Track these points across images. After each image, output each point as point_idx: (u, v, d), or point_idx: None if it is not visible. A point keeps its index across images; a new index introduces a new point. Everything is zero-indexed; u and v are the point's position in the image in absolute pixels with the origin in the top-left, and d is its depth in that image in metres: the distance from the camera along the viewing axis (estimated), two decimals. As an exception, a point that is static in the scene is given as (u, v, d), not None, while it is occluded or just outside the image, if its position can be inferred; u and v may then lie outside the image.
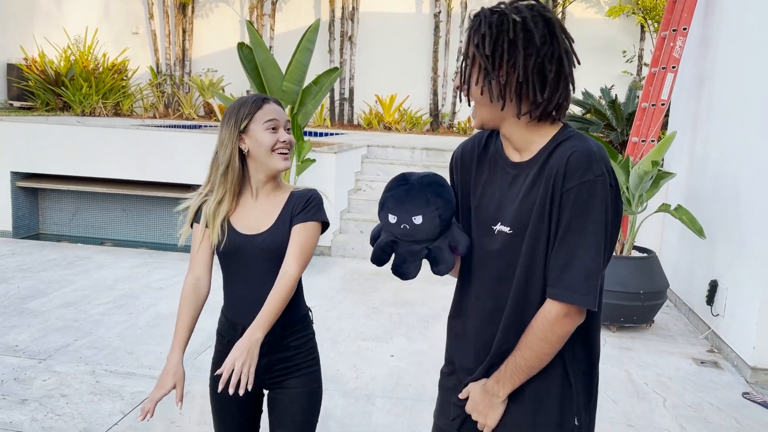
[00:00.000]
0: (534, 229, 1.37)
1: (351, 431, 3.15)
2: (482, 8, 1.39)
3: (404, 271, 1.43)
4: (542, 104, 1.35)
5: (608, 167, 1.34)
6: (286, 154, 1.79)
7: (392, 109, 12.83)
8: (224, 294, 1.92)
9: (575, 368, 1.44)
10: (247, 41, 13.57)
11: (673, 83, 5.25)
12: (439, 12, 12.94)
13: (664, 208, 4.62)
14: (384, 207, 1.41)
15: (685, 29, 5.16)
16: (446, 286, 5.54)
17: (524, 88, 1.34)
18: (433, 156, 8.04)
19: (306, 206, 1.81)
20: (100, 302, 4.90)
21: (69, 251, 6.51)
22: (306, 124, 6.26)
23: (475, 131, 1.53)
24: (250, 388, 1.58)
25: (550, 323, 1.35)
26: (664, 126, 6.17)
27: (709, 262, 4.71)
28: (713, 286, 4.55)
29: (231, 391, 1.55)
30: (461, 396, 1.52)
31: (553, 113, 1.38)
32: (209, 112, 12.98)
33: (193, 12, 13.53)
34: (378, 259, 1.46)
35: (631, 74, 12.49)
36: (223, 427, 1.96)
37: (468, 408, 1.49)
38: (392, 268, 1.45)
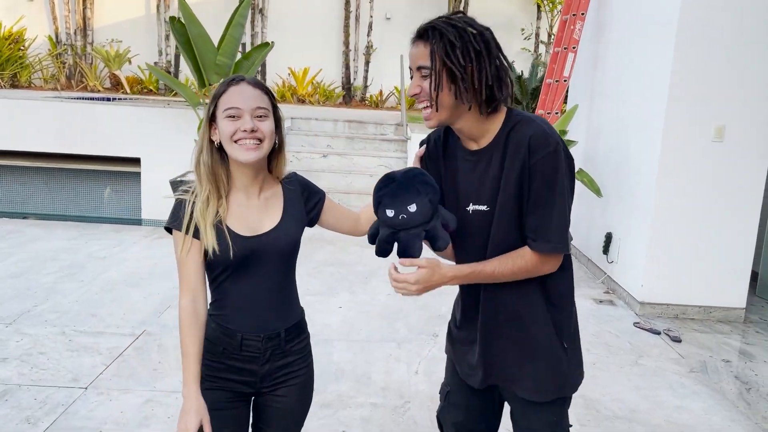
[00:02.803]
0: (505, 200, 1.58)
1: (317, 369, 3.59)
2: (433, 22, 1.56)
3: (412, 252, 1.56)
4: (501, 100, 1.58)
5: (559, 138, 1.59)
6: (249, 143, 1.58)
7: (305, 83, 13.07)
8: (217, 300, 1.71)
9: (558, 305, 1.71)
10: (152, 11, 13.40)
11: (574, 62, 5.96)
12: (350, -13, 13.22)
13: (568, 171, 5.32)
14: (380, 205, 1.57)
15: (583, 14, 5.87)
16: (377, 247, 6.05)
17: (489, 90, 1.55)
18: (355, 128, 8.47)
19: (310, 191, 1.80)
20: (47, 272, 5.02)
21: (-5, 226, 6.45)
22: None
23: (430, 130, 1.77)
24: None
25: (530, 265, 1.60)
26: (565, 99, 6.93)
27: (604, 217, 5.50)
28: (608, 238, 5.34)
29: None
30: (404, 264, 1.59)
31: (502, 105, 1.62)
32: (116, 84, 12.66)
33: (94, -21, 13.03)
34: (383, 251, 1.59)
35: (529, 51, 13.40)
36: None
37: (409, 278, 1.55)
38: (400, 254, 1.58)
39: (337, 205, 1.87)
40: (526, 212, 1.58)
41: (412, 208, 1.54)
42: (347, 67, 13.52)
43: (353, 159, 7.82)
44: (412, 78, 1.62)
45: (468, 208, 1.66)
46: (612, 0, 5.74)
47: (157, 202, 6.91)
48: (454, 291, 1.82)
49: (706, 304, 4.69)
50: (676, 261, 4.64)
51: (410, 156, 7.32)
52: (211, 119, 1.63)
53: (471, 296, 1.74)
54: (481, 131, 1.61)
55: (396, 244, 1.59)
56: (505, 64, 1.59)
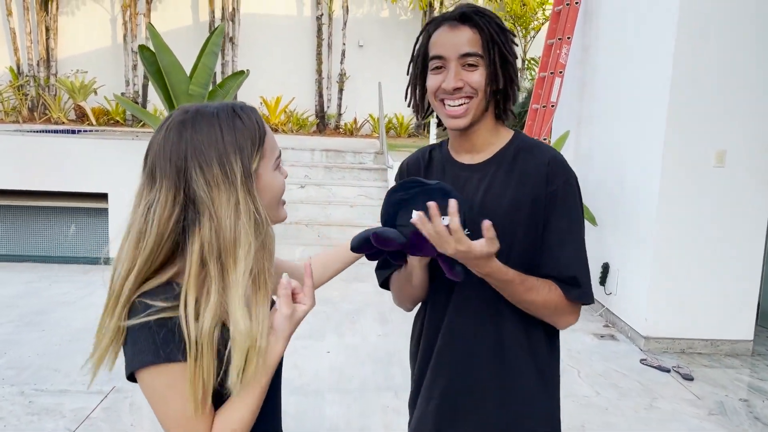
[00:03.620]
0: (505, 226, 1.31)
1: (307, 426, 3.26)
2: (477, 7, 1.36)
3: (459, 270, 1.27)
4: (509, 109, 1.41)
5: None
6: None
7: (278, 111, 12.80)
8: None
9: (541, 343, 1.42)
10: (119, 40, 13.05)
11: (561, 86, 5.80)
12: (321, 15, 13.08)
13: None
14: (409, 204, 1.24)
15: (569, 38, 5.72)
16: (362, 283, 5.74)
17: (509, 90, 1.39)
18: (333, 157, 8.20)
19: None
20: (4, 321, 4.59)
21: (-52, 269, 5.97)
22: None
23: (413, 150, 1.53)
24: None
25: (559, 307, 1.34)
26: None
27: (600, 246, 5.28)
28: (605, 268, 5.12)
29: None
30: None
31: (509, 116, 1.45)
32: (81, 116, 12.23)
33: (57, 9, 12.66)
34: (387, 239, 1.25)
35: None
36: None
37: (474, 246, 1.19)
38: (452, 272, 1.27)
39: (286, 263, 1.42)
40: (545, 249, 1.36)
41: (446, 219, 1.19)
42: (321, 95, 13.30)
43: (332, 189, 7.54)
44: (439, 70, 1.35)
45: None
46: (598, 24, 5.61)
47: (125, 240, 6.50)
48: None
49: (713, 337, 4.47)
50: (679, 293, 4.42)
51: (391, 185, 7.06)
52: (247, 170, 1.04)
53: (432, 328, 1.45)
54: (485, 143, 1.42)
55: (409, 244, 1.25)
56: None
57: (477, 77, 1.32)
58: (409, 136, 13.01)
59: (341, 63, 13.24)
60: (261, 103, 12.84)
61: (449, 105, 1.35)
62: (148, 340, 0.96)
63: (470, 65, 1.32)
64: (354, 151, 8.38)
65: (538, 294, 1.32)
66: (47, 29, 12.62)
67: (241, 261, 0.98)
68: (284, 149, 8.16)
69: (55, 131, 9.44)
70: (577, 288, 1.34)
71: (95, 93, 12.43)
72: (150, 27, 5.57)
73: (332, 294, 5.49)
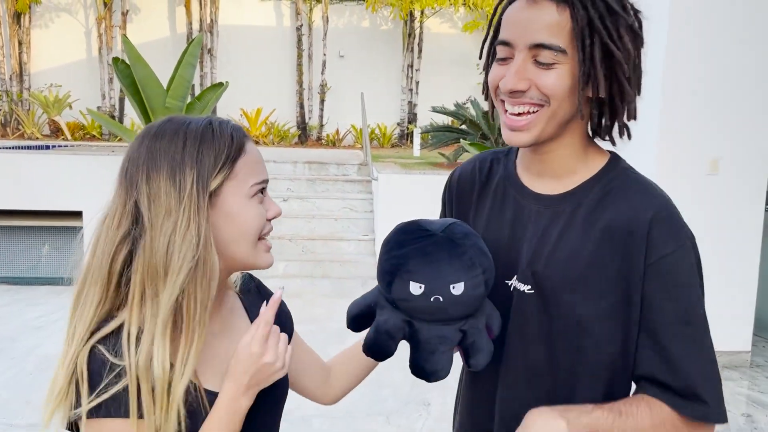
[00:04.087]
0: (592, 300, 0.98)
1: (295, 456, 3.08)
2: None
3: (434, 367, 0.96)
4: (617, 122, 1.04)
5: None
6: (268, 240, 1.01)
7: (259, 123, 12.63)
8: None
9: None
10: (94, 53, 12.80)
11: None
12: (301, 25, 12.96)
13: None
14: (400, 271, 0.93)
15: (555, 46, 5.64)
16: (349, 299, 5.56)
17: (619, 100, 1.00)
18: (316, 169, 8.04)
19: (284, 315, 1.13)
20: (-28, 349, 4.35)
21: None
22: (191, 141, 6.00)
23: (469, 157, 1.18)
24: None
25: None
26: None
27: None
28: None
29: None
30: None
31: (611, 136, 1.06)
32: (56, 131, 11.96)
33: (30, 22, 12.40)
34: (382, 351, 1.00)
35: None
36: None
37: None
38: (413, 365, 0.98)
39: (303, 342, 1.21)
40: (646, 342, 0.97)
41: (458, 289, 0.91)
42: (302, 106, 13.15)
43: (315, 202, 7.36)
44: (504, 62, 0.97)
45: (509, 283, 1.03)
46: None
47: (102, 259, 6.28)
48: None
49: (710, 348, 4.36)
50: (675, 304, 4.31)
51: (376, 196, 6.92)
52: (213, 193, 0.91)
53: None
54: (567, 167, 1.03)
55: (409, 345, 0.97)
56: (641, 73, 1.00)
57: (552, 79, 0.93)
58: (392, 146, 12.90)
59: (322, 74, 13.10)
60: (241, 115, 12.66)
61: (509, 112, 0.98)
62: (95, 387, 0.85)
63: (542, 62, 0.93)
64: (337, 162, 8.22)
65: (639, 425, 0.94)
66: (20, 43, 12.35)
67: (168, 286, 0.85)
68: (266, 162, 7.91)
69: (28, 147, 9.18)
70: (701, 404, 0.95)
71: (70, 107, 12.17)
72: (125, 39, 5.39)
73: (318, 312, 5.32)
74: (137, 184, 0.87)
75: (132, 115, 12.21)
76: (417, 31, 13.11)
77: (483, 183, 1.12)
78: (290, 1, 13.06)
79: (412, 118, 13.07)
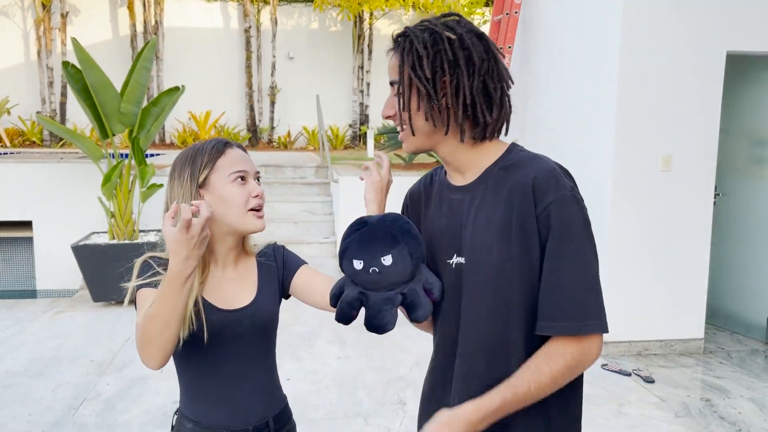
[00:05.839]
0: (499, 259, 1.22)
1: (277, 462, 3.06)
2: (407, 28, 1.27)
3: (381, 322, 1.22)
4: (490, 125, 1.26)
5: (573, 180, 1.25)
6: (260, 210, 1.46)
7: (208, 126, 12.42)
8: (191, 397, 1.50)
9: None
10: (33, 57, 12.32)
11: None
12: (249, 27, 12.81)
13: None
14: (345, 254, 1.23)
15: (510, 47, 5.77)
16: (314, 302, 5.56)
17: (470, 110, 1.24)
18: (272, 172, 7.98)
19: (286, 258, 1.59)
20: (-77, 369, 4.14)
21: None
22: (147, 147, 5.86)
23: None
24: None
25: (571, 360, 1.17)
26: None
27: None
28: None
29: None
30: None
31: (496, 133, 1.29)
32: (-6, 138, 11.45)
33: (-38, 24, 11.84)
34: (345, 317, 1.26)
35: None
36: None
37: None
38: (366, 323, 1.24)
39: (313, 275, 1.58)
40: (543, 285, 1.19)
41: (387, 260, 1.20)
42: (252, 108, 13.00)
43: (274, 206, 7.31)
44: None
45: (450, 261, 1.31)
46: (537, 33, 5.68)
47: (54, 270, 6.07)
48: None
49: (667, 337, 4.57)
50: (633, 296, 4.49)
51: (336, 199, 6.92)
52: (200, 185, 1.45)
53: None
54: (466, 163, 1.31)
55: (363, 310, 1.25)
56: (500, 78, 1.25)
57: (393, 103, 1.30)
58: (345, 148, 12.90)
59: (272, 75, 12.99)
60: (190, 118, 12.43)
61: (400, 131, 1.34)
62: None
63: (397, 94, 1.28)
64: (294, 165, 8.18)
65: (542, 378, 1.17)
66: (-49, 46, 11.78)
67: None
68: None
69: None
70: (577, 321, 1.16)
71: (8, 113, 11.69)
72: (75, 42, 5.22)
73: (282, 317, 5.27)
74: (168, 183, 1.48)
75: (74, 120, 11.82)
76: (367, 33, 13.14)
77: (428, 192, 1.42)
78: (237, 3, 12.89)
79: (364, 120, 13.10)
